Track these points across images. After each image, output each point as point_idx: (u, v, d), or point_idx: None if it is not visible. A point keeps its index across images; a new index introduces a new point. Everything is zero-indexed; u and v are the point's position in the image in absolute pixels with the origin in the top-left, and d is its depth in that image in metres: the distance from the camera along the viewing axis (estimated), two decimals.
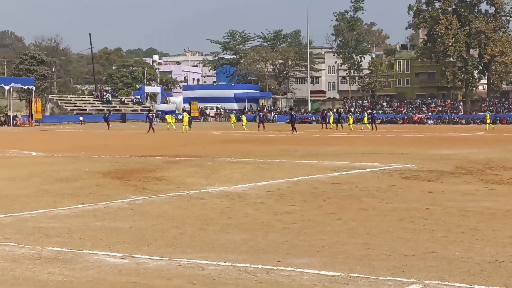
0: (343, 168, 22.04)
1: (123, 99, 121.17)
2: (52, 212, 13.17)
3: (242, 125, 72.78)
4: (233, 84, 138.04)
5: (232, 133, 59.97)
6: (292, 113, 65.07)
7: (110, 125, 73.53)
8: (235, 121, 79.14)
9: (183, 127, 64.71)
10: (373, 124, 68.17)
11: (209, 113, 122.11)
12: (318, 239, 10.28)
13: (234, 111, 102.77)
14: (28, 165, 24.32)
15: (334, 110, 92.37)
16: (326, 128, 73.01)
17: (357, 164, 23.83)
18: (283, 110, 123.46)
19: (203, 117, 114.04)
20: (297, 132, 56.89)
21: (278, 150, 33.04)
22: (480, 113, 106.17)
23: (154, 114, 65.33)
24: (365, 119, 72.82)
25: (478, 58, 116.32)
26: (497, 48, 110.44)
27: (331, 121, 76.35)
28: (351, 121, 71.87)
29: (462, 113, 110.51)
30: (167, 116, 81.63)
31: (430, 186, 17.26)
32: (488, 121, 76.68)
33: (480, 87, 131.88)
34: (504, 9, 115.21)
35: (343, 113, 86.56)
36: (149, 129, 60.24)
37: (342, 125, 71.87)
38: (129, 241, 10.24)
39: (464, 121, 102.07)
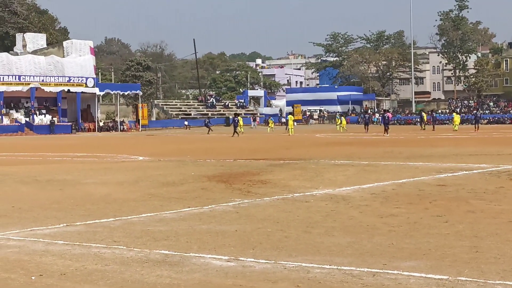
0: (449, 169, 21.70)
1: (227, 103, 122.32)
2: (159, 215, 13.40)
3: (342, 127, 73.02)
4: (336, 87, 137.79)
5: (336, 135, 59.82)
6: (386, 114, 64.77)
7: (211, 130, 74.21)
8: (342, 125, 77.85)
9: (290, 129, 64.93)
10: (477, 125, 67.46)
11: (313, 115, 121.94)
12: (425, 242, 10.15)
13: (337, 114, 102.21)
14: (135, 170, 24.82)
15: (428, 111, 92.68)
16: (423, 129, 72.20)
17: (463, 165, 23.43)
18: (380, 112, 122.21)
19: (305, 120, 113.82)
20: (387, 134, 56.67)
21: (383, 152, 32.77)
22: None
23: (239, 118, 65.69)
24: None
25: None
26: None
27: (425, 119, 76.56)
28: (457, 121, 70.65)
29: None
30: (269, 119, 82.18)
31: None
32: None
33: None
34: None
35: (434, 114, 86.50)
36: (234, 133, 60.51)
37: (434, 126, 71.19)
38: (234, 244, 10.32)
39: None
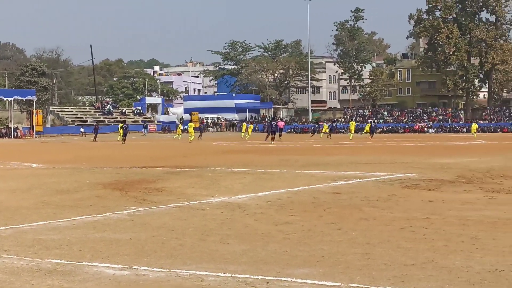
0: (344, 177, 22.03)
1: (124, 110, 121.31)
2: (52, 224, 13.16)
3: (247, 134, 73.70)
4: (234, 95, 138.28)
5: (233, 143, 59.99)
6: (273, 122, 65.78)
7: (97, 137, 73.15)
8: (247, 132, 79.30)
9: (190, 137, 64.76)
10: (372, 134, 69.73)
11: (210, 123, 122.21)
12: (318, 249, 10.26)
13: (248, 121, 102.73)
14: (28, 177, 24.33)
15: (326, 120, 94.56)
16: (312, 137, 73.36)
17: (358, 173, 23.83)
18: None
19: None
20: (272, 142, 57.65)
21: (279, 160, 33.03)
22: (481, 122, 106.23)
23: (127, 126, 65.63)
24: (367, 127, 73.81)
25: (479, 66, 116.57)
26: (498, 57, 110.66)
27: (324, 130, 77.75)
28: (352, 130, 72.40)
29: (463, 121, 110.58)
30: (179, 127, 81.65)
31: (431, 195, 17.24)
32: (474, 130, 79.89)
33: (481, 96, 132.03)
34: (505, 17, 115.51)
35: (334, 124, 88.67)
36: (123, 140, 60.24)
37: (330, 135, 72.89)
38: (128, 253, 10.22)
39: (465, 130, 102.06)
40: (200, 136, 74.69)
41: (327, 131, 76.61)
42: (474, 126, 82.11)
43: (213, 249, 10.46)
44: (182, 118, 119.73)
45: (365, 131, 74.27)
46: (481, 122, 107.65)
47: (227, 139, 71.38)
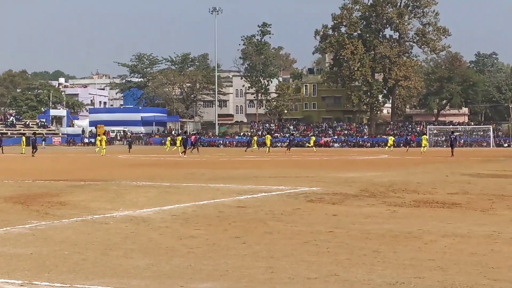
0: (249, 191, 22.09)
1: (27, 122, 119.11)
2: None
3: (167, 148, 74.18)
4: (140, 108, 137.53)
5: (139, 156, 59.59)
6: (183, 137, 66.66)
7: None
8: (169, 145, 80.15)
9: (102, 150, 63.80)
10: (289, 147, 72.07)
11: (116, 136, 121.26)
12: (223, 263, 10.25)
13: (175, 134, 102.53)
14: None
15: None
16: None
17: (263, 187, 23.94)
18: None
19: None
20: (185, 155, 58.31)
21: (185, 173, 32.94)
22: (384, 136, 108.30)
23: (35, 138, 64.76)
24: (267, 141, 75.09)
25: (383, 82, 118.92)
26: (401, 73, 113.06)
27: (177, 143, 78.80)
28: (268, 143, 73.75)
29: (367, 136, 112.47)
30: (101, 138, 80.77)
31: (335, 209, 17.43)
32: (391, 143, 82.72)
33: (385, 111, 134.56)
34: (408, 34, 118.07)
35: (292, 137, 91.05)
36: (33, 152, 59.35)
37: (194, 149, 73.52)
38: (29, 268, 10.01)
39: (369, 144, 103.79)
40: (129, 149, 74.92)
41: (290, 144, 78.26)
42: (391, 139, 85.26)
43: (117, 263, 10.34)
44: (91, 130, 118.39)
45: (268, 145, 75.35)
46: (384, 136, 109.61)
47: (134, 152, 70.84)
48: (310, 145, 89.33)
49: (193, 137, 74.28)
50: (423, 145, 75.48)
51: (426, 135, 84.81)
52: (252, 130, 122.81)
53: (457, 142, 78.10)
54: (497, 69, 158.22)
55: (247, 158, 55.02)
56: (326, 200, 19.37)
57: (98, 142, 65.97)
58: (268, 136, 78.35)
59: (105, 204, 18.65)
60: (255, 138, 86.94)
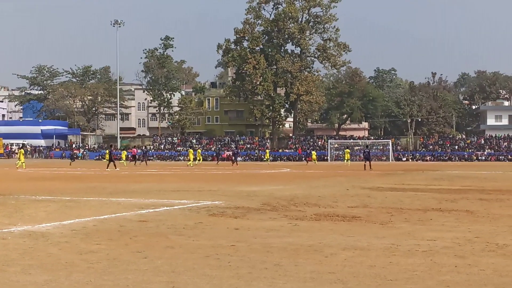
0: (151, 205, 21.93)
1: None
2: None
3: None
4: (40, 120, 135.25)
5: (39, 170, 58.52)
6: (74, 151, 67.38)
7: None
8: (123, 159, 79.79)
9: (22, 164, 61.99)
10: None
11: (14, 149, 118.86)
12: (123, 278, 10.14)
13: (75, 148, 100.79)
14: None
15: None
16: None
17: (165, 201, 23.80)
18: (92, 147, 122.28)
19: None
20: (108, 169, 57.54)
21: (86, 187, 32.51)
22: (287, 151, 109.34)
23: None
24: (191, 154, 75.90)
25: (285, 96, 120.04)
26: (303, 87, 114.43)
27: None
28: (191, 157, 74.55)
29: (269, 150, 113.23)
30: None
31: (237, 222, 17.45)
32: (314, 157, 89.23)
33: (287, 125, 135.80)
34: (309, 49, 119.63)
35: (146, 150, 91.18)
36: None
37: (146, 162, 73.62)
38: None
39: (271, 158, 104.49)
40: (70, 163, 74.89)
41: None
42: (314, 154, 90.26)
43: (14, 280, 10.11)
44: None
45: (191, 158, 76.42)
46: (287, 151, 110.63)
47: (35, 166, 69.52)
48: (266, 158, 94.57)
49: (134, 150, 74.73)
50: (346, 158, 78.18)
51: (349, 149, 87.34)
52: (154, 144, 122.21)
53: (363, 155, 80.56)
54: (395, 84, 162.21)
55: (149, 172, 54.67)
56: (228, 214, 19.39)
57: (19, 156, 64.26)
58: (191, 150, 78.93)
59: (2, 219, 18.22)
60: (199, 151, 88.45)
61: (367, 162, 61.10)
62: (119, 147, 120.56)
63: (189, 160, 75.55)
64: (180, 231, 15.61)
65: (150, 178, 43.19)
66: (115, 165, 59.42)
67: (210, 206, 21.95)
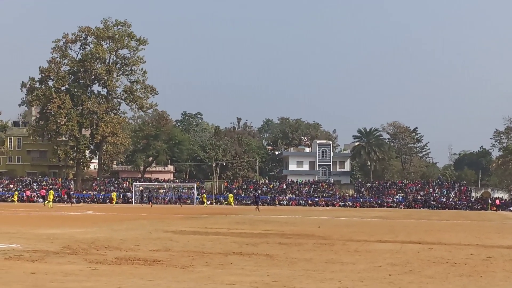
0: None
1: None
2: None
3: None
4: None
5: None
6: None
7: None
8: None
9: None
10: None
11: None
12: None
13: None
14: None
15: None
16: None
17: None
18: None
19: None
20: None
21: None
22: (90, 192, 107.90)
23: None
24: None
25: (90, 137, 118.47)
26: (109, 129, 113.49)
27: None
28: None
29: (73, 191, 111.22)
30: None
31: (34, 266, 16.96)
32: (205, 199, 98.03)
33: (92, 167, 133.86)
34: (116, 91, 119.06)
35: None
36: None
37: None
38: None
39: (75, 200, 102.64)
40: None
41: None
42: (231, 196, 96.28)
43: None
44: None
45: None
46: (90, 192, 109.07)
47: None
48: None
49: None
50: (204, 200, 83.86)
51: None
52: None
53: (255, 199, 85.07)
54: (202, 128, 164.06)
55: None
56: (26, 258, 18.82)
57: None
58: (51, 192, 79.08)
59: None
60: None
61: (258, 205, 68.42)
62: None
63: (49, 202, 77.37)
64: None
65: None
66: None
67: (6, 249, 21.22)
